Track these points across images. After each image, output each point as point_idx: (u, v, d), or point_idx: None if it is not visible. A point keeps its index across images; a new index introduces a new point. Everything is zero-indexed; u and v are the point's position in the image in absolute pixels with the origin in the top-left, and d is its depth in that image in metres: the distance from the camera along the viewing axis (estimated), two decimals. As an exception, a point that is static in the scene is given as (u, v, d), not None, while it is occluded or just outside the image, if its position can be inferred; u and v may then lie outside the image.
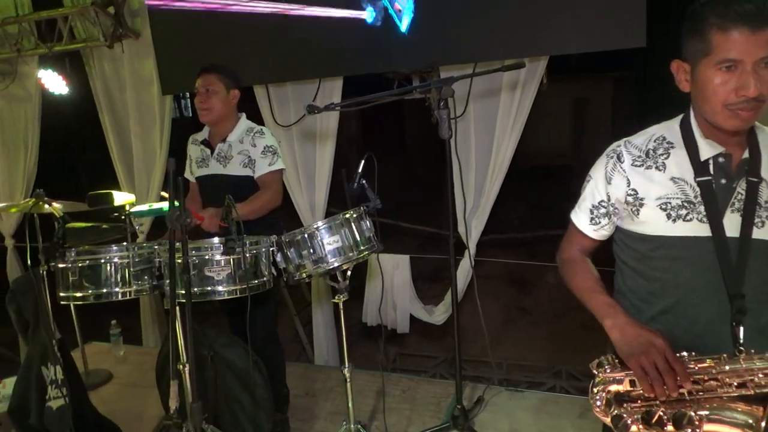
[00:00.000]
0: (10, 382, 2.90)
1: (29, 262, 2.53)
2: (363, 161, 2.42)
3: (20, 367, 2.67)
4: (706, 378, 1.27)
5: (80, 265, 2.13)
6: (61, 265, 2.15)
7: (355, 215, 2.28)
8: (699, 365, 1.28)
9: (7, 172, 4.93)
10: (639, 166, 1.44)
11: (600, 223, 1.55)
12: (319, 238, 2.21)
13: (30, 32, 4.30)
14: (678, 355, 1.29)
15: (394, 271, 4.03)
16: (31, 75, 4.55)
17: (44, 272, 2.56)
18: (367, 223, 2.33)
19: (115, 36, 4.10)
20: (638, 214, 1.43)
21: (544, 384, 5.09)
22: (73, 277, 2.14)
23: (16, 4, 4.32)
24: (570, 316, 6.81)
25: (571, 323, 6.65)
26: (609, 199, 1.50)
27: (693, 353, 1.30)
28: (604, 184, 1.50)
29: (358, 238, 2.26)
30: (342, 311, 2.37)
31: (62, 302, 2.24)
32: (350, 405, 2.44)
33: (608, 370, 1.35)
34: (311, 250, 2.21)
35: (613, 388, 1.33)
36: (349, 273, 2.33)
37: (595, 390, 1.35)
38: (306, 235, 2.22)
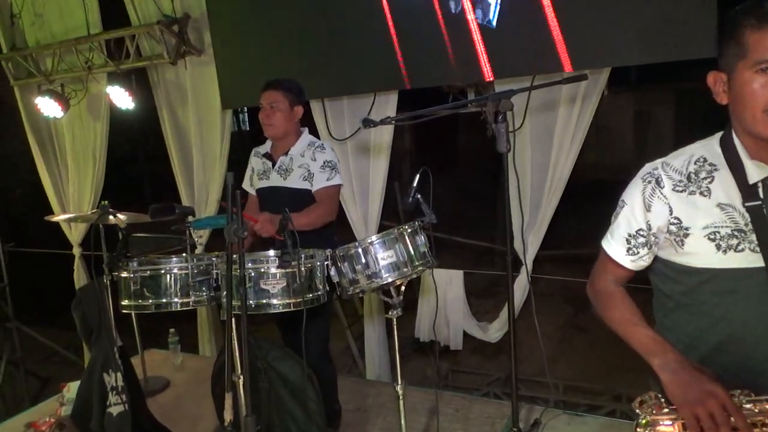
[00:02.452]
0: (74, 386, 3.00)
1: (94, 271, 2.61)
2: (418, 175, 2.39)
3: (84, 372, 2.76)
4: (765, 420, 1.16)
5: (141, 275, 2.19)
6: (123, 275, 2.22)
7: (409, 230, 2.24)
8: (759, 406, 1.17)
9: (77, 184, 5.17)
10: (681, 191, 1.31)
11: (638, 253, 1.41)
12: (373, 253, 2.18)
13: (99, 50, 4.51)
14: (731, 393, 1.18)
15: (447, 286, 3.97)
16: (100, 91, 4.77)
17: (108, 281, 2.64)
18: (422, 238, 2.29)
19: (179, 53, 4.25)
20: (683, 244, 1.31)
21: (602, 407, 4.88)
22: (134, 287, 2.20)
23: (88, 24, 4.55)
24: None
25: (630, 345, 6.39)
26: (649, 228, 1.36)
27: (747, 391, 1.20)
28: (643, 211, 1.36)
29: (413, 254, 2.22)
30: (395, 327, 2.34)
31: (124, 311, 2.30)
32: (403, 423, 2.39)
33: (654, 411, 1.25)
34: (365, 265, 2.18)
35: (662, 429, 1.23)
36: (402, 288, 2.30)
37: (638, 430, 1.25)
38: (360, 250, 2.20)
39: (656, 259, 1.43)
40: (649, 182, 1.35)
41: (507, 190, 2.51)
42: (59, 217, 3.51)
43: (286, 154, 2.77)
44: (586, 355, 6.30)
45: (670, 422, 1.22)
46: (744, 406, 1.18)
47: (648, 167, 1.39)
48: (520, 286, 3.56)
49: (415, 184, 2.38)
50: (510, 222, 2.53)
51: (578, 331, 6.92)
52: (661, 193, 1.33)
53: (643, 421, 1.25)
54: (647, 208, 1.35)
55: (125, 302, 2.24)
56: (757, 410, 1.17)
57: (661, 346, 1.31)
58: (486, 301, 6.09)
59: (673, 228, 1.32)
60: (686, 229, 1.30)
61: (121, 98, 4.57)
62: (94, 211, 2.74)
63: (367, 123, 2.56)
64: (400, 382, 2.34)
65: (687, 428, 1.19)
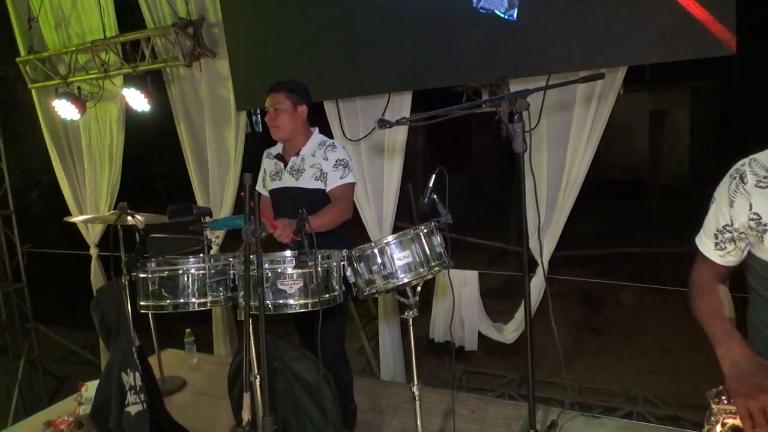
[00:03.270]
0: (92, 385, 3.03)
1: (113, 271, 2.64)
2: (434, 176, 2.38)
3: (102, 372, 2.79)
4: None
5: (159, 275, 2.20)
6: (141, 275, 2.23)
7: (425, 230, 2.23)
8: None
9: (94, 185, 5.23)
10: (764, 187, 1.31)
11: (726, 248, 1.42)
12: (389, 253, 2.17)
13: (115, 53, 4.55)
14: None
15: (462, 287, 3.96)
16: (116, 93, 4.82)
17: (126, 281, 2.66)
18: (438, 239, 2.28)
19: (194, 55, 4.28)
20: (763, 240, 1.31)
21: (619, 409, 4.85)
22: (152, 287, 2.21)
23: (104, 27, 4.60)
24: (643, 337, 6.49)
25: (646, 345, 6.33)
26: (732, 223, 1.37)
27: None
28: (728, 207, 1.37)
29: (429, 254, 2.21)
30: (411, 328, 2.34)
31: (142, 311, 2.32)
32: (419, 423, 2.38)
33: (725, 402, 1.25)
34: (381, 265, 2.18)
35: (730, 421, 1.23)
36: (419, 289, 2.29)
37: (711, 419, 1.26)
38: (376, 250, 2.19)
39: (749, 255, 1.43)
40: (735, 178, 1.37)
41: (523, 190, 2.50)
42: (79, 218, 3.54)
43: (297, 154, 2.77)
44: (601, 356, 6.27)
45: (737, 413, 1.22)
46: None
47: (737, 164, 1.39)
48: (536, 287, 3.54)
49: (430, 185, 2.37)
50: (526, 222, 2.51)
51: (593, 333, 6.88)
52: (744, 189, 1.34)
53: (715, 409, 1.26)
54: (731, 204, 1.37)
55: (143, 302, 2.26)
56: None
57: (730, 338, 1.30)
58: (501, 302, 6.07)
59: (752, 224, 1.32)
60: (765, 224, 1.30)
61: (137, 100, 4.61)
62: (113, 212, 2.76)
63: (383, 123, 2.55)
64: (416, 383, 2.34)
65: (740, 419, 1.19)
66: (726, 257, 1.44)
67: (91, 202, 5.28)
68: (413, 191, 2.49)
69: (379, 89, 3.77)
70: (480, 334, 4.04)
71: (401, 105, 3.79)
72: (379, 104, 3.82)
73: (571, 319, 6.91)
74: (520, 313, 3.91)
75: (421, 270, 2.18)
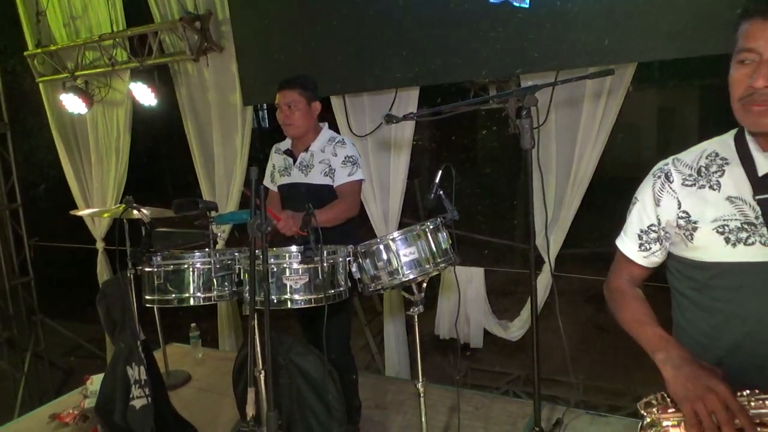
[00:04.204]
0: (97, 379, 3.04)
1: (118, 265, 2.64)
2: (440, 172, 2.36)
3: (107, 365, 2.79)
4: None
5: (165, 269, 2.20)
6: (147, 269, 2.23)
7: (431, 226, 2.22)
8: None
9: (100, 179, 5.24)
10: (690, 185, 1.31)
11: (650, 249, 1.41)
12: (394, 250, 2.16)
13: (123, 47, 4.55)
14: (739, 394, 1.14)
15: (467, 284, 3.94)
16: (123, 87, 4.82)
17: (131, 275, 2.66)
18: (444, 235, 2.27)
19: (201, 50, 4.27)
20: (692, 238, 1.30)
21: (624, 408, 4.82)
22: (158, 281, 2.21)
23: (111, 21, 4.60)
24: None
25: (653, 344, 6.30)
26: (659, 223, 1.37)
27: (757, 390, 1.15)
28: (653, 206, 1.37)
29: (435, 250, 2.20)
30: (416, 324, 2.32)
31: (147, 305, 2.32)
32: (423, 420, 2.38)
33: (658, 411, 1.21)
34: (387, 262, 2.17)
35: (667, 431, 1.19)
36: (424, 285, 2.28)
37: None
38: (381, 246, 2.17)
39: (670, 255, 1.42)
40: (659, 177, 1.37)
41: (530, 187, 2.47)
42: (84, 212, 3.56)
43: (306, 150, 2.76)
44: (607, 354, 6.23)
45: (676, 422, 1.18)
46: (752, 404, 1.13)
47: (660, 164, 1.41)
48: (543, 284, 3.52)
49: (437, 181, 2.36)
50: (533, 219, 2.49)
51: (599, 331, 6.84)
52: (670, 188, 1.34)
53: (647, 421, 1.22)
54: (657, 203, 1.37)
55: (148, 296, 2.25)
56: (766, 410, 1.13)
57: (666, 342, 1.28)
58: (507, 299, 6.05)
59: (681, 222, 1.32)
60: (695, 222, 1.30)
61: (144, 94, 4.61)
62: (119, 205, 2.76)
63: (390, 119, 2.53)
64: (420, 380, 2.33)
65: (687, 426, 1.15)
66: (650, 258, 1.43)
67: (98, 196, 5.29)
68: (420, 187, 2.48)
69: (386, 85, 3.75)
70: (485, 332, 4.03)
71: (408, 101, 3.77)
72: (386, 100, 3.81)
73: (577, 316, 6.88)
74: (526, 311, 3.89)
75: (427, 266, 2.17)
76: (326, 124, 2.84)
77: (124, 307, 2.71)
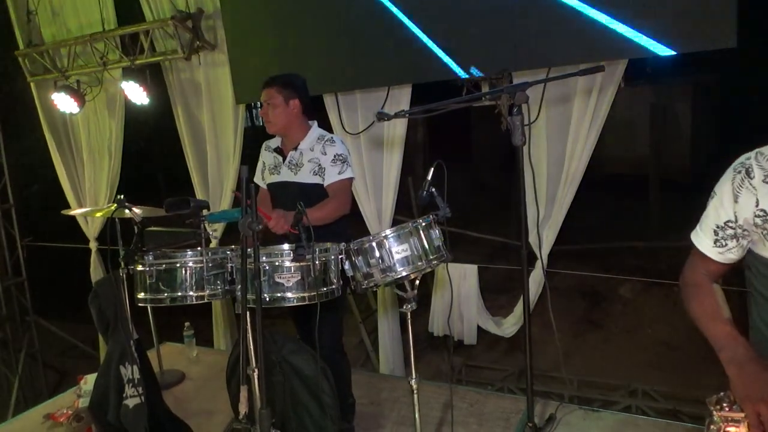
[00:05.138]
0: (91, 378, 3.03)
1: (110, 264, 2.63)
2: (432, 169, 2.37)
3: (101, 365, 2.79)
4: None
5: (157, 268, 2.19)
6: (139, 269, 2.22)
7: (424, 224, 2.23)
8: None
9: (93, 179, 5.23)
10: None
11: (726, 245, 1.35)
12: (387, 247, 2.17)
13: (114, 46, 4.54)
14: None
15: (461, 281, 3.95)
16: (114, 87, 4.81)
17: (124, 275, 2.65)
18: (437, 232, 2.27)
19: (193, 48, 4.26)
20: None
21: (618, 403, 4.85)
22: (150, 280, 2.20)
23: (103, 20, 4.58)
24: (644, 331, 6.49)
25: (646, 339, 6.33)
26: (736, 220, 1.31)
27: None
28: (731, 202, 1.31)
29: (427, 247, 2.20)
30: (410, 321, 2.33)
31: (140, 304, 2.31)
32: (417, 417, 2.39)
33: (727, 409, 1.20)
34: (379, 259, 2.17)
35: (732, 430, 1.19)
36: (417, 282, 2.28)
37: (711, 427, 1.21)
38: (374, 243, 2.18)
39: (749, 252, 1.37)
40: (740, 172, 1.30)
41: (522, 184, 2.49)
42: (76, 211, 3.55)
43: (295, 148, 2.76)
44: (600, 350, 6.27)
45: (740, 421, 1.18)
46: None
47: (741, 158, 1.33)
48: (535, 281, 3.53)
49: (429, 178, 2.36)
50: (525, 216, 2.50)
51: (593, 326, 6.88)
52: (750, 184, 1.27)
53: (716, 418, 1.22)
54: (735, 199, 1.30)
55: (141, 295, 2.24)
56: None
57: (733, 340, 1.25)
58: (500, 296, 6.07)
59: (758, 220, 1.27)
60: None
61: (136, 93, 4.59)
62: (110, 205, 2.75)
63: (382, 116, 2.53)
64: (414, 377, 2.34)
65: (749, 426, 1.14)
66: (726, 254, 1.37)
67: (90, 196, 5.28)
68: (413, 184, 2.48)
69: (378, 82, 3.76)
70: (479, 328, 4.04)
71: (401, 98, 3.78)
72: (379, 97, 3.81)
73: (570, 313, 6.91)
74: (519, 307, 3.91)
75: (420, 263, 2.18)
76: (315, 122, 2.84)
77: (117, 306, 2.70)
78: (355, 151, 3.95)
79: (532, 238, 3.34)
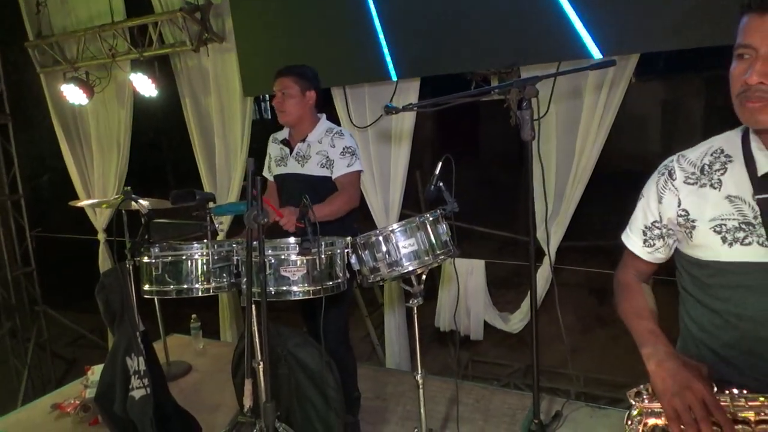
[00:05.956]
0: (98, 369, 3.05)
1: (117, 256, 2.63)
2: (440, 163, 2.35)
3: (107, 356, 2.79)
4: (757, 418, 1.12)
5: (163, 260, 2.19)
6: (145, 260, 2.22)
7: (431, 218, 2.21)
8: (750, 403, 1.13)
9: (102, 170, 5.24)
10: (692, 183, 1.31)
11: (654, 245, 1.42)
12: (394, 241, 2.15)
13: (123, 38, 4.53)
14: (727, 392, 1.15)
15: (468, 276, 3.94)
16: (123, 78, 4.81)
17: (130, 266, 2.66)
18: (444, 227, 2.26)
19: (201, 40, 4.25)
20: (692, 237, 1.30)
21: (624, 401, 4.81)
22: (156, 272, 2.20)
23: (112, 11, 4.57)
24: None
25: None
26: (661, 220, 1.37)
27: (744, 390, 1.15)
28: (656, 203, 1.37)
29: (434, 242, 2.19)
30: (416, 316, 2.32)
31: (146, 296, 2.32)
32: (422, 411, 2.38)
33: (646, 401, 1.23)
34: (386, 253, 2.16)
35: (651, 421, 1.21)
36: (423, 277, 2.27)
37: (630, 422, 1.24)
38: (381, 238, 2.17)
39: (676, 252, 1.42)
40: (663, 174, 1.37)
41: (531, 179, 2.46)
42: (83, 203, 3.56)
43: (303, 140, 2.75)
44: (607, 347, 6.23)
45: (660, 413, 1.20)
46: (734, 404, 1.14)
47: (666, 160, 1.40)
48: (543, 277, 3.51)
49: (437, 172, 2.34)
50: (533, 211, 2.48)
51: (600, 323, 6.84)
52: (673, 185, 1.34)
53: (635, 412, 1.24)
54: (659, 200, 1.37)
55: (147, 287, 2.25)
56: (747, 406, 1.13)
57: (654, 337, 1.30)
58: (507, 292, 6.05)
59: (680, 220, 1.32)
60: (693, 221, 1.30)
61: (145, 85, 4.60)
62: (117, 196, 2.75)
63: (390, 109, 2.52)
64: (420, 371, 2.33)
65: (666, 419, 1.16)
66: (654, 254, 1.44)
67: (99, 188, 5.29)
68: (420, 179, 2.47)
69: (387, 76, 3.73)
70: (486, 324, 4.03)
71: (409, 92, 3.75)
72: (387, 91, 3.79)
73: (578, 309, 6.88)
74: (526, 303, 3.89)
75: (426, 258, 2.17)
76: (324, 115, 2.83)
77: (123, 298, 2.71)
78: (362, 144, 3.94)
79: (540, 234, 3.31)
